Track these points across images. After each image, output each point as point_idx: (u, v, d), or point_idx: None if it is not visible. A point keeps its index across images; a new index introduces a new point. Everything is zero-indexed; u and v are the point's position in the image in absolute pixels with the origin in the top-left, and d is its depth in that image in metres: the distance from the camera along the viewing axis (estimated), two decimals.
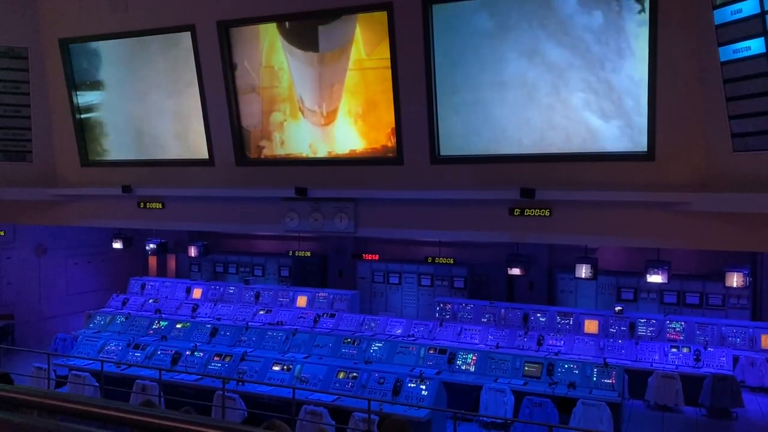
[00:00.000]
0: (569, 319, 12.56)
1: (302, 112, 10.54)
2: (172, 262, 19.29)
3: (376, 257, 15.78)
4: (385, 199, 10.27)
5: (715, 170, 8.05)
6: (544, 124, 9.05)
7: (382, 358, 10.68)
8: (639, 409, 10.76)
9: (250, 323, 12.91)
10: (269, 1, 9.98)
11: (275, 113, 10.69)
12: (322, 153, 10.56)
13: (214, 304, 14.86)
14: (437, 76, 9.32)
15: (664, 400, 10.52)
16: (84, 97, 11.85)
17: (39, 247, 16.35)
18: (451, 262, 14.69)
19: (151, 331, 12.54)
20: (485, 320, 13.17)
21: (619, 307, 12.56)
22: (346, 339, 11.25)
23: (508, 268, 11.90)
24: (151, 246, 15.08)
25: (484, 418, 9.60)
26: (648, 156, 8.49)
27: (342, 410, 8.67)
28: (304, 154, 10.68)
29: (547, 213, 9.27)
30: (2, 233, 15.20)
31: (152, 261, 19.25)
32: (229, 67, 10.50)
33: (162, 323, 12.70)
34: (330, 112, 10.32)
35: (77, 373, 10.15)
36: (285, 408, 8.73)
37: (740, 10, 7.36)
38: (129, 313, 13.70)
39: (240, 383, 9.39)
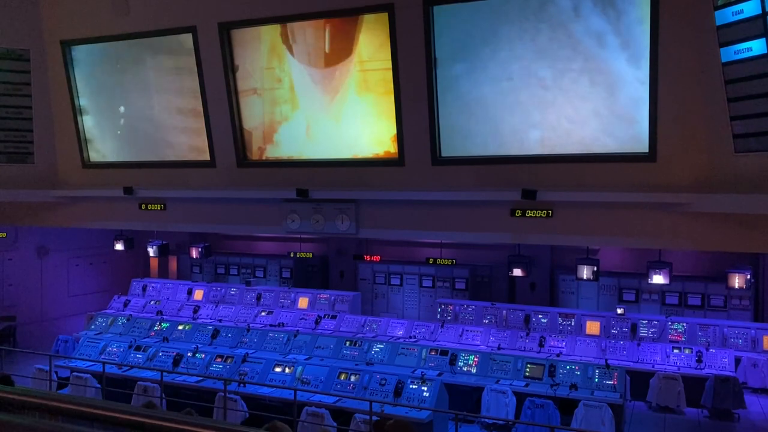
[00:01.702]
0: (571, 321, 12.55)
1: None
2: (173, 264, 19.29)
3: (378, 258, 15.77)
4: (386, 200, 10.27)
5: (717, 171, 8.04)
6: (546, 124, 9.05)
7: (384, 360, 10.67)
8: (641, 410, 10.74)
9: (251, 325, 12.90)
10: (270, 3, 9.99)
11: (276, 115, 10.70)
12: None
13: (216, 306, 14.86)
14: (438, 76, 9.32)
15: (666, 401, 10.50)
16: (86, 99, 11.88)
17: (41, 248, 16.37)
18: (453, 263, 14.68)
19: (153, 333, 12.54)
20: (487, 321, 13.15)
21: (621, 309, 12.54)
22: (348, 340, 11.24)
23: (510, 269, 11.89)
24: (153, 247, 15.06)
25: (486, 420, 9.59)
26: (649, 157, 8.49)
27: (343, 412, 8.67)
28: (304, 156, 10.68)
29: (548, 214, 9.26)
30: (4, 235, 15.21)
31: (154, 262, 19.26)
32: (230, 69, 10.51)
33: (163, 325, 12.70)
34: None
35: (79, 374, 10.14)
36: (286, 409, 8.73)
37: (741, 11, 7.36)
38: (130, 315, 13.70)
39: (241, 385, 9.39)
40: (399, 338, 12.35)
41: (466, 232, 10.20)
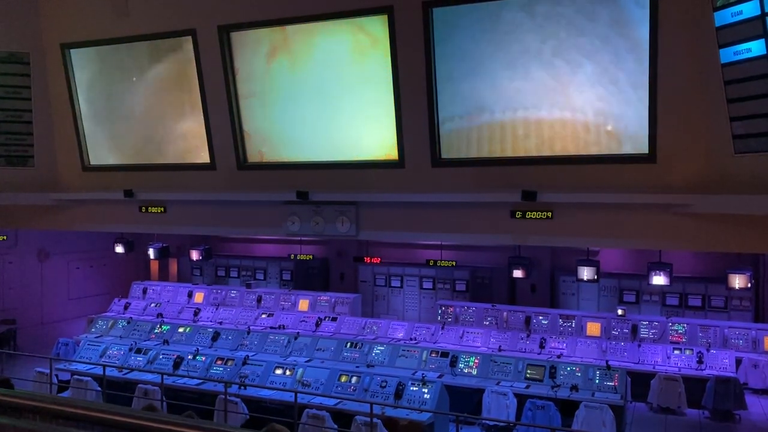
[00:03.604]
0: (571, 322, 12.55)
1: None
2: (173, 266, 19.30)
3: (378, 260, 15.76)
4: (386, 202, 10.27)
5: (717, 172, 8.04)
6: (546, 125, 9.05)
7: (384, 362, 10.67)
8: (641, 411, 10.74)
9: (251, 327, 12.91)
10: (270, 5, 10.00)
11: (276, 117, 10.68)
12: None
13: (216, 308, 14.86)
14: (438, 78, 9.32)
15: (666, 402, 10.50)
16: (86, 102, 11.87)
17: (41, 251, 16.37)
18: (453, 264, 14.67)
19: (153, 336, 12.54)
20: (487, 323, 13.15)
21: (622, 310, 12.54)
22: (348, 342, 11.24)
23: (510, 271, 11.88)
24: (153, 250, 15.06)
25: (487, 421, 9.58)
26: (649, 158, 8.49)
27: (344, 414, 8.66)
28: (304, 158, 10.68)
29: (549, 215, 9.26)
30: (4, 238, 15.22)
31: (154, 265, 19.26)
32: (230, 71, 10.51)
33: (164, 327, 12.71)
34: None
35: (79, 377, 10.14)
36: (287, 412, 8.72)
37: (741, 12, 7.37)
38: (131, 318, 13.70)
39: (242, 387, 9.39)
40: (399, 340, 12.35)
41: (467, 233, 10.19)
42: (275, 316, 14.13)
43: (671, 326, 12.10)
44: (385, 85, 9.64)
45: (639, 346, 11.51)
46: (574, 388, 9.42)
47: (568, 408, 9.11)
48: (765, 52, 7.25)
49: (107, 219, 12.49)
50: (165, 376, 9.64)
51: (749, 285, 12.10)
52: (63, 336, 13.29)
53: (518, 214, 9.40)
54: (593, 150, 8.86)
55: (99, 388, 9.91)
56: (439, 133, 9.54)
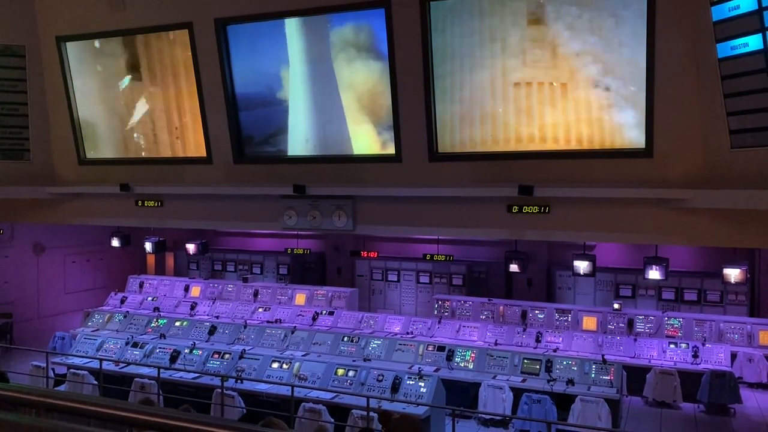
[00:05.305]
0: (567, 316, 12.58)
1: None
2: (170, 260, 19.28)
3: (375, 255, 15.78)
4: (383, 197, 10.27)
5: (713, 167, 8.05)
6: (543, 120, 9.05)
7: (381, 356, 10.69)
8: (637, 405, 10.78)
9: (248, 321, 12.91)
10: None
11: (273, 111, 10.65)
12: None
13: (213, 302, 14.86)
14: (435, 72, 9.30)
15: (662, 396, 10.54)
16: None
17: (37, 245, 16.33)
18: (450, 259, 14.70)
19: (150, 329, 12.54)
20: (484, 317, 13.18)
21: (618, 304, 12.57)
22: (345, 336, 11.26)
23: (507, 265, 11.89)
24: (150, 244, 15.03)
25: (483, 415, 9.62)
26: (646, 153, 8.50)
27: (341, 407, 8.68)
28: (301, 152, 10.66)
29: (545, 210, 9.28)
30: (0, 232, 15.18)
31: (150, 259, 19.24)
32: (227, 65, 10.48)
33: (160, 321, 12.70)
34: None
35: (76, 371, 10.14)
36: (284, 406, 8.74)
37: (738, 7, 7.36)
38: (127, 312, 13.69)
39: (239, 381, 9.40)
40: (396, 334, 12.37)
41: (463, 228, 10.20)
42: (272, 310, 14.13)
43: (667, 320, 12.14)
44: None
45: (635, 340, 11.55)
46: (570, 382, 9.46)
47: (564, 402, 9.14)
48: (762, 47, 7.26)
49: (103, 213, 12.47)
50: (162, 370, 9.64)
51: (745, 280, 12.14)
52: (59, 330, 13.28)
53: (515, 209, 9.41)
54: (590, 144, 8.86)
55: (95, 382, 9.91)
56: (437, 127, 9.53)
